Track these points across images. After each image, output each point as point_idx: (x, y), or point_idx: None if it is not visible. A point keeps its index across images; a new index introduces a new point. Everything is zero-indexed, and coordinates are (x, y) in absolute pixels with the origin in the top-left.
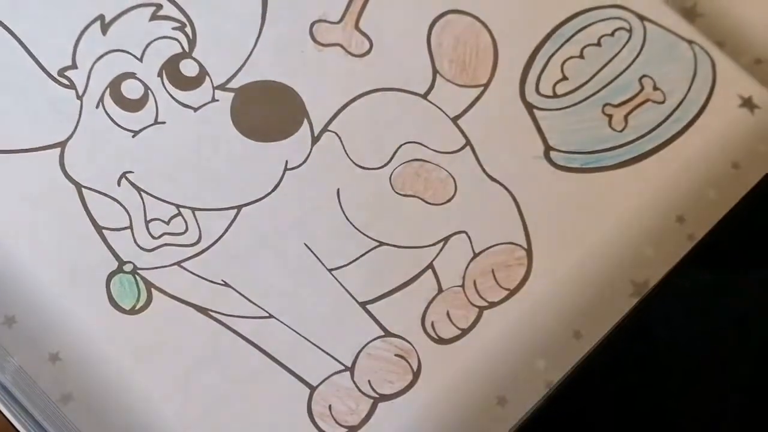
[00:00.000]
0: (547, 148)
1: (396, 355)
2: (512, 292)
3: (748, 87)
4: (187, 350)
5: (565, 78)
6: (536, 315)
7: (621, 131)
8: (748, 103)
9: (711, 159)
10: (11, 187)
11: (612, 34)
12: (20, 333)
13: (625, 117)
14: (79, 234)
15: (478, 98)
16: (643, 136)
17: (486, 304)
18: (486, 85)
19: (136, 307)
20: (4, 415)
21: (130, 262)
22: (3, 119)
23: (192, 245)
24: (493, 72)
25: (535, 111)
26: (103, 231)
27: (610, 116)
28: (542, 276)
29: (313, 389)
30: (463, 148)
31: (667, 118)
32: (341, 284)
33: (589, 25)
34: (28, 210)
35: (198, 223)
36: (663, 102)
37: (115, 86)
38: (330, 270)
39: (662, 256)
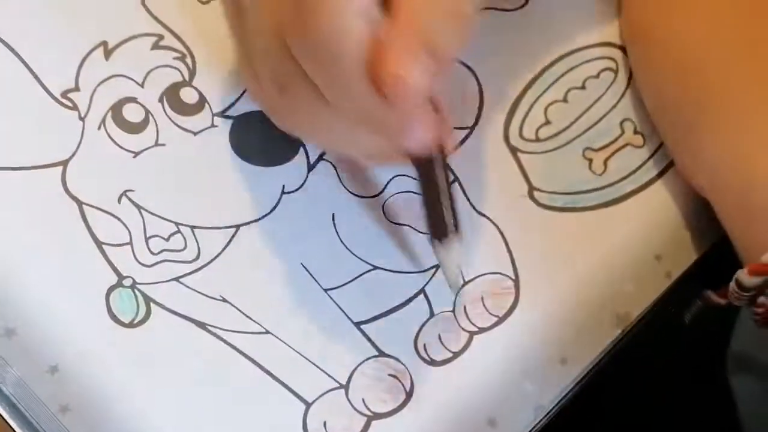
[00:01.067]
0: (531, 188)
1: (389, 374)
2: (501, 319)
3: None
4: (185, 364)
5: (548, 122)
6: (524, 341)
7: (601, 174)
8: None
9: (688, 201)
10: (14, 203)
11: (597, 76)
12: (20, 345)
13: (605, 161)
14: (79, 249)
15: (464, 139)
16: (621, 180)
17: (476, 329)
18: (472, 128)
19: (135, 321)
20: (8, 425)
21: (129, 276)
22: (7, 137)
23: (191, 262)
24: (479, 116)
25: (518, 153)
26: (104, 246)
27: (590, 160)
28: (529, 305)
29: (308, 405)
30: (451, 184)
31: (645, 162)
32: (336, 304)
33: (576, 66)
34: (30, 225)
35: (197, 241)
36: (642, 146)
37: (116, 109)
38: (325, 290)
39: (642, 292)
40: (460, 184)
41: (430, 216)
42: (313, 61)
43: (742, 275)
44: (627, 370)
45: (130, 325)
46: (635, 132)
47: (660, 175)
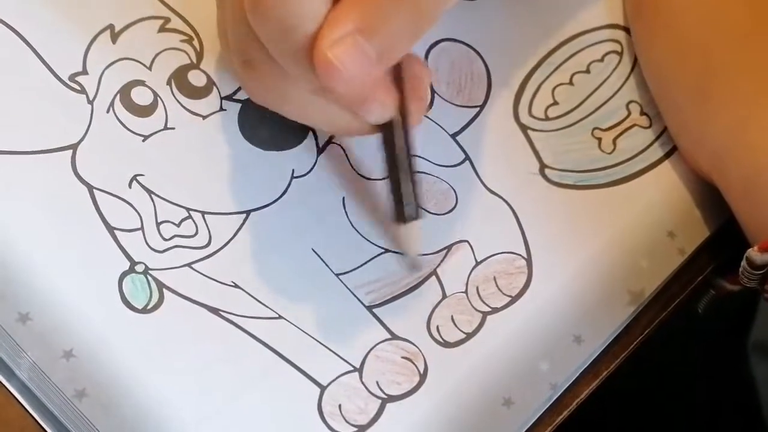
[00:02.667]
0: (542, 166)
1: (403, 357)
2: (514, 299)
3: None
4: (199, 349)
5: (555, 103)
6: (537, 320)
7: (610, 153)
8: None
9: (699, 178)
10: (24, 188)
11: (602, 59)
12: (34, 330)
13: (614, 140)
14: (91, 234)
15: (474, 117)
16: (631, 158)
17: (489, 309)
18: (482, 106)
19: (148, 307)
20: (24, 408)
21: (141, 262)
22: (16, 122)
23: (202, 247)
24: (488, 94)
25: (528, 131)
26: (115, 232)
27: (599, 139)
28: (542, 284)
29: (323, 389)
30: (462, 162)
31: (653, 142)
32: (348, 288)
33: (580, 51)
34: (41, 210)
35: (208, 226)
36: (649, 127)
37: (125, 92)
38: (337, 274)
39: (656, 268)
40: (471, 163)
41: (393, 196)
42: (268, 35)
43: (753, 253)
44: (644, 362)
45: (143, 310)
46: (641, 113)
47: (669, 153)
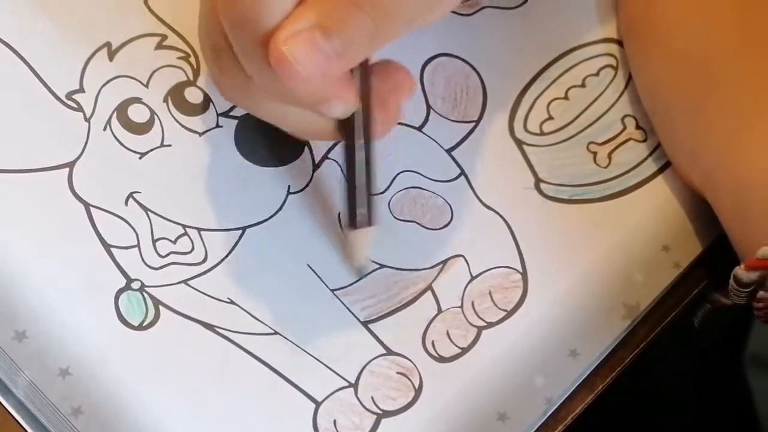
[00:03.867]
0: (537, 180)
1: (398, 372)
2: (509, 313)
3: None
4: (195, 365)
5: (550, 118)
6: (533, 335)
7: (605, 167)
8: None
9: (692, 193)
10: (21, 206)
11: (597, 74)
12: (31, 348)
13: (609, 154)
14: (87, 252)
15: (470, 133)
16: (626, 173)
17: (484, 324)
18: (477, 121)
19: (144, 324)
20: (21, 426)
21: (137, 279)
22: (13, 140)
23: (198, 264)
24: (483, 110)
25: (524, 146)
26: (111, 249)
27: (594, 153)
28: (537, 298)
29: (318, 404)
30: (457, 177)
31: (649, 155)
32: (344, 304)
33: (575, 65)
34: (38, 228)
35: (204, 243)
36: (644, 141)
37: (121, 110)
38: (332, 290)
39: (651, 282)
40: (467, 178)
41: (347, 201)
42: (231, 24)
43: (740, 272)
44: (639, 375)
45: (140, 327)
46: (637, 127)
47: (664, 167)
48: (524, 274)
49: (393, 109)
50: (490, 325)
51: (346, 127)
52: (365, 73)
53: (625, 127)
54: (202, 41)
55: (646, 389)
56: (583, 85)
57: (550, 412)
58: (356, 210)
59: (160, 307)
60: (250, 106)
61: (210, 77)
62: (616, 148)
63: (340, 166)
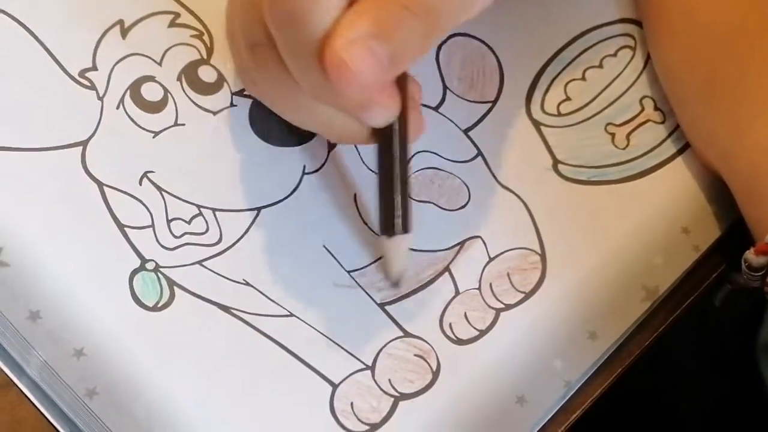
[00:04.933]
0: (555, 162)
1: (415, 355)
2: (527, 295)
3: None
4: (210, 347)
5: (568, 98)
6: (551, 317)
7: (624, 149)
8: None
9: (711, 175)
10: (35, 186)
11: (615, 54)
12: (45, 328)
13: (627, 136)
14: (101, 232)
15: (487, 113)
16: (645, 154)
17: (502, 306)
18: (494, 102)
19: (159, 305)
20: (35, 407)
21: (152, 260)
22: (25, 118)
23: (213, 245)
24: (500, 90)
25: (541, 127)
26: (126, 229)
27: (612, 135)
28: (556, 280)
29: (335, 387)
30: (474, 158)
31: (667, 137)
32: (360, 285)
33: (592, 45)
34: (51, 207)
35: (219, 223)
36: (663, 122)
37: (135, 88)
38: (349, 271)
39: (671, 265)
40: (484, 158)
41: (382, 207)
42: (279, 29)
43: (750, 256)
44: (657, 359)
45: (154, 308)
46: (655, 108)
47: (683, 149)
48: (543, 256)
49: (421, 112)
50: (508, 307)
51: (381, 134)
52: (404, 79)
53: (643, 108)
54: (235, 33)
55: (664, 373)
56: (600, 66)
57: (568, 396)
58: (393, 218)
59: (175, 287)
60: (280, 104)
61: (236, 68)
62: (634, 129)
63: (355, 145)
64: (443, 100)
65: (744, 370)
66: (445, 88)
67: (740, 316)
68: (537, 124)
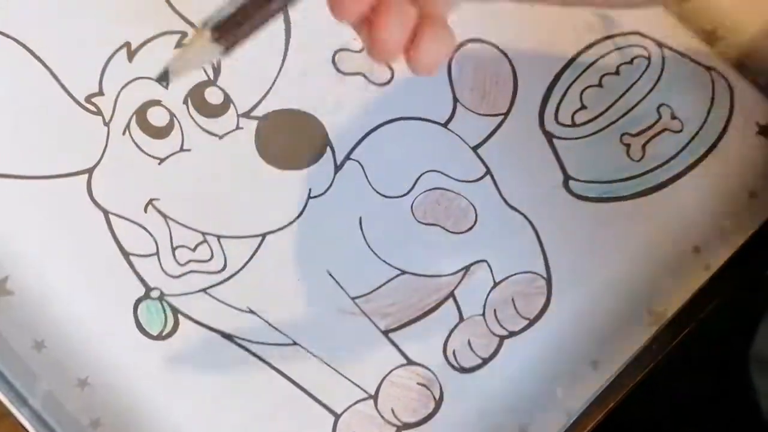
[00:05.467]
0: (566, 177)
1: (418, 383)
2: (532, 322)
3: (766, 113)
4: (213, 376)
5: (583, 107)
6: (555, 344)
7: (639, 161)
8: (765, 131)
9: (727, 189)
10: (40, 213)
11: (631, 62)
12: (49, 358)
13: (643, 146)
14: (106, 260)
15: (498, 127)
16: (660, 166)
17: (506, 333)
18: (506, 114)
19: (164, 333)
20: None
21: (157, 288)
22: (31, 145)
23: (218, 272)
24: (513, 100)
25: (554, 140)
26: (131, 257)
27: (628, 145)
28: (561, 305)
29: (337, 417)
30: (483, 177)
31: (684, 148)
32: (364, 312)
33: (608, 53)
34: (57, 236)
35: (223, 250)
36: (680, 131)
37: (141, 113)
38: (353, 298)
39: (680, 287)
40: (492, 177)
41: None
42: None
43: None
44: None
45: (159, 337)
46: (672, 117)
47: (698, 161)
48: (548, 280)
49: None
50: (512, 334)
51: None
52: None
53: (660, 117)
54: None
55: (661, 404)
56: (617, 73)
57: (569, 425)
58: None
59: (179, 316)
60: None
61: None
62: (650, 139)
63: (361, 166)
64: (453, 115)
65: (738, 385)
66: (455, 101)
67: (733, 327)
68: (549, 137)
